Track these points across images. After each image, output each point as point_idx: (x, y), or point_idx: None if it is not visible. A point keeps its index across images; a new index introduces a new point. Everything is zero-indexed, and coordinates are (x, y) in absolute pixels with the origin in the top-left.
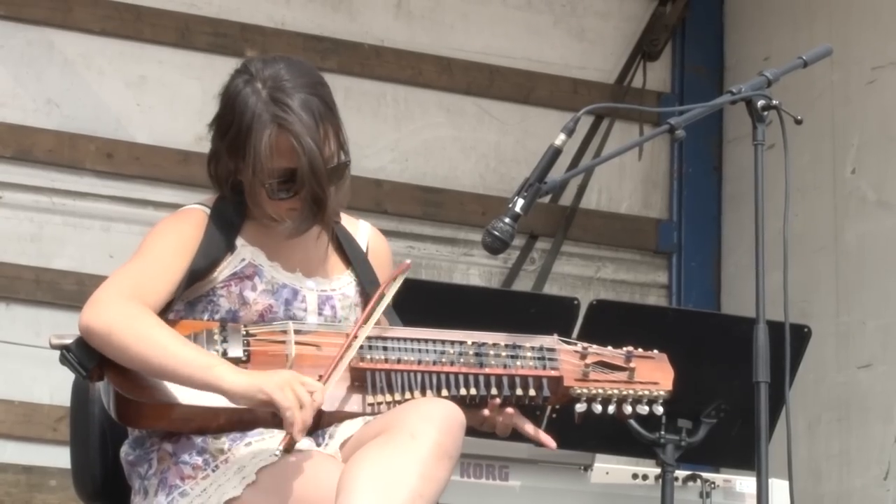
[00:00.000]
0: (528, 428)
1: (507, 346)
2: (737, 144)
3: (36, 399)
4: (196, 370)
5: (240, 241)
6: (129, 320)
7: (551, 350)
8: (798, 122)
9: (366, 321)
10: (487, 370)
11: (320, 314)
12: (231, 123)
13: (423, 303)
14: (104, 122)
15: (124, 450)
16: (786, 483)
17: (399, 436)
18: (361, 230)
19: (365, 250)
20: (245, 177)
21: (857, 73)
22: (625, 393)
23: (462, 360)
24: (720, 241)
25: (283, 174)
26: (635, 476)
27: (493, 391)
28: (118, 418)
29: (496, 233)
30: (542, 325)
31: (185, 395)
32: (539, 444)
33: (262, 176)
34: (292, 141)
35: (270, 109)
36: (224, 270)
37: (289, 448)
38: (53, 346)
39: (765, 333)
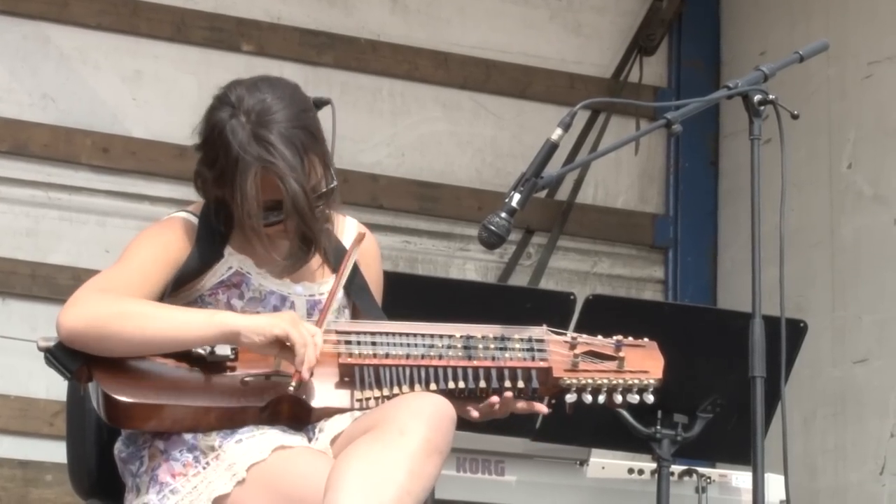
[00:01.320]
0: (521, 405)
1: (495, 338)
2: (733, 139)
3: (32, 394)
4: (200, 326)
5: (227, 250)
6: (112, 307)
7: (540, 341)
8: (794, 117)
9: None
10: (476, 363)
11: (309, 319)
12: (216, 158)
13: (419, 298)
14: (100, 116)
15: (117, 447)
16: (781, 478)
17: (388, 432)
18: (348, 229)
19: None
20: (232, 205)
21: (854, 67)
22: (615, 382)
23: (450, 353)
24: (716, 236)
25: (269, 205)
26: (631, 471)
27: (482, 384)
28: (108, 420)
29: (492, 227)
30: (538, 320)
31: (174, 395)
32: (533, 412)
33: (249, 210)
34: (277, 181)
35: (254, 150)
36: (211, 278)
37: (299, 386)
38: (40, 349)
39: (761, 328)
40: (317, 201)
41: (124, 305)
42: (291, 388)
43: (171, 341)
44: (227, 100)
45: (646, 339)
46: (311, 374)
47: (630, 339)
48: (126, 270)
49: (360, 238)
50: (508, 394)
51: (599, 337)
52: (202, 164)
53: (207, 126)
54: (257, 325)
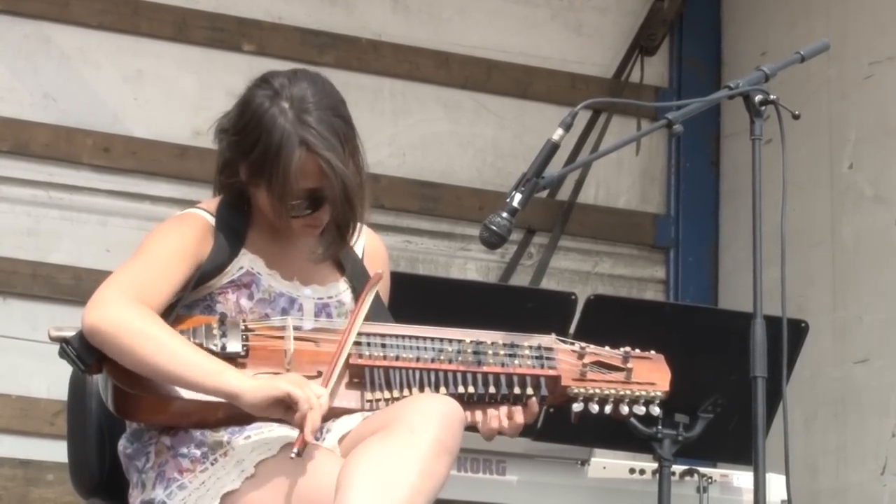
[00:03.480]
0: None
1: (504, 345)
2: (734, 139)
3: (33, 393)
4: (205, 376)
5: (241, 249)
6: (136, 322)
7: (549, 349)
8: (795, 117)
9: (353, 324)
10: (485, 368)
11: (316, 320)
12: (257, 141)
13: (420, 298)
14: (101, 116)
15: (122, 443)
16: (783, 478)
17: (398, 431)
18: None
19: (361, 254)
20: (265, 194)
21: (854, 68)
22: (622, 393)
23: (460, 358)
24: (717, 236)
25: (307, 195)
26: (632, 471)
27: (492, 389)
28: (116, 411)
29: (493, 227)
30: (539, 319)
31: (184, 389)
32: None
33: (287, 197)
34: (321, 164)
35: (299, 132)
36: (223, 277)
37: (302, 450)
38: (53, 339)
39: (762, 328)
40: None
41: (147, 325)
42: (294, 454)
43: (174, 378)
44: (269, 86)
45: (653, 352)
46: (315, 438)
47: (637, 350)
48: (149, 266)
49: (376, 279)
50: (519, 411)
51: (607, 348)
52: (236, 152)
53: (247, 111)
54: (258, 387)
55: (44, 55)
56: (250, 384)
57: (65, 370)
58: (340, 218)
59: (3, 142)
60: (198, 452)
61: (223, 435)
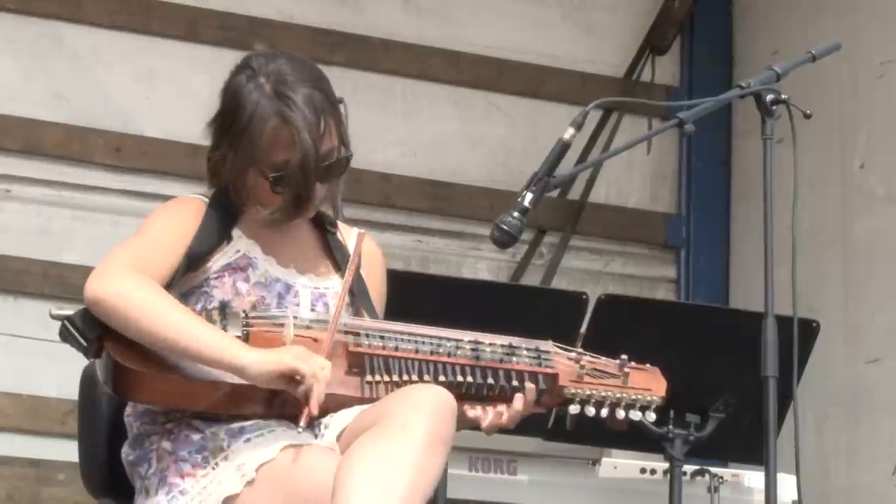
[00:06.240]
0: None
1: (502, 345)
2: (746, 139)
3: (44, 393)
4: (210, 347)
5: (236, 233)
6: (140, 292)
7: (546, 352)
8: (807, 117)
9: (345, 285)
10: (483, 363)
11: (313, 310)
12: (235, 118)
13: (431, 297)
14: (113, 115)
15: (124, 450)
16: (793, 478)
17: (391, 427)
18: (355, 239)
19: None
20: (242, 166)
21: (866, 67)
22: (619, 396)
23: (459, 352)
24: (729, 236)
25: (284, 167)
26: (643, 471)
27: (490, 381)
28: (114, 390)
29: (504, 227)
30: (550, 319)
31: (183, 368)
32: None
33: (264, 168)
34: (294, 134)
35: (274, 104)
36: (219, 260)
37: (308, 423)
38: (54, 317)
39: (773, 328)
40: (327, 171)
41: (151, 295)
42: (301, 429)
43: (178, 349)
44: (247, 65)
45: (648, 365)
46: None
47: (633, 363)
48: (148, 243)
49: (360, 241)
50: (519, 397)
51: (603, 358)
52: (217, 132)
53: (226, 93)
54: (264, 362)
55: (56, 55)
56: (255, 357)
57: (75, 370)
58: (294, 190)
59: (14, 141)
60: (198, 457)
61: (223, 439)
